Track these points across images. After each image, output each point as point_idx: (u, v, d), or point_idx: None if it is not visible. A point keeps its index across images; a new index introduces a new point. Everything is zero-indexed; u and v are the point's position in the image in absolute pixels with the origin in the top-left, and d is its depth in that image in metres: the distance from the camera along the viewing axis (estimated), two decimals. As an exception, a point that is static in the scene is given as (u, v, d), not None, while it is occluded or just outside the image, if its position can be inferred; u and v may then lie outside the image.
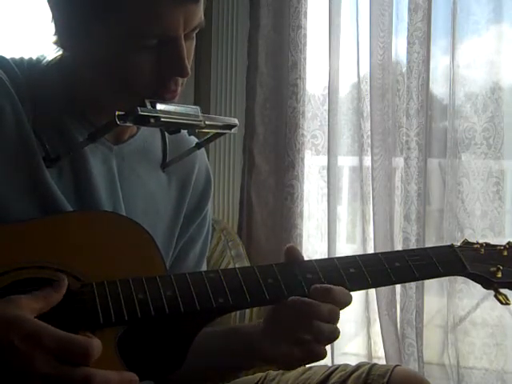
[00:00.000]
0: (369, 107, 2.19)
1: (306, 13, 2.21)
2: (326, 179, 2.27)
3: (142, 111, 0.90)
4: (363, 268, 0.99)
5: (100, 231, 0.95)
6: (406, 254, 1.03)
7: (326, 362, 2.21)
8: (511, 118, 2.11)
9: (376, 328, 2.20)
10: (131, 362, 0.82)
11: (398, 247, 2.19)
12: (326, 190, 2.27)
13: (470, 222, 2.13)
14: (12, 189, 0.93)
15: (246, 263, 2.08)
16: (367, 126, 2.20)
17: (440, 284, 2.20)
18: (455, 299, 2.14)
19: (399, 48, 2.20)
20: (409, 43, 2.14)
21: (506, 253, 1.08)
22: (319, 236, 2.34)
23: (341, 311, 0.95)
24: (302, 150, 2.23)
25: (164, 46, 0.93)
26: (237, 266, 2.00)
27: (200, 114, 0.98)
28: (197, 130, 1.01)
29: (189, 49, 0.97)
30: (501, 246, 1.09)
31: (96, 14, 0.90)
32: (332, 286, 0.95)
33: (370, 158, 2.19)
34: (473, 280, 1.07)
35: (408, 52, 2.15)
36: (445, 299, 2.16)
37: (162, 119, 0.93)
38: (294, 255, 1.00)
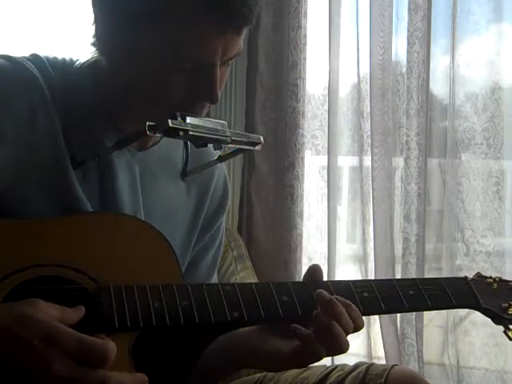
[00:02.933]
0: (369, 107, 2.19)
1: (305, 13, 2.21)
2: (325, 179, 2.27)
3: (172, 124, 0.91)
4: (377, 293, 0.99)
5: (120, 234, 0.95)
6: (419, 282, 1.03)
7: (325, 361, 2.21)
8: (511, 118, 2.11)
9: (376, 328, 2.20)
10: (143, 367, 0.83)
11: (398, 247, 2.19)
12: (325, 190, 2.27)
13: (469, 222, 2.12)
14: (38, 188, 0.94)
15: (248, 263, 2.08)
16: (367, 126, 2.20)
17: (440, 284, 2.20)
18: (455, 299, 2.14)
19: (399, 48, 2.20)
20: (409, 43, 2.14)
21: None
22: (319, 236, 2.34)
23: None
24: (301, 150, 2.23)
25: (199, 70, 0.93)
26: (238, 266, 2.01)
27: (227, 129, 0.99)
28: (223, 145, 1.02)
29: (222, 76, 0.97)
30: None
31: (139, 27, 0.91)
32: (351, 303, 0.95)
33: (370, 157, 2.19)
34: (484, 314, 1.07)
35: (408, 52, 2.15)
36: (445, 299, 2.16)
37: (191, 133, 0.94)
38: (314, 274, 1.00)
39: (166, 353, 0.94)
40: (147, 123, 0.90)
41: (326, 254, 2.23)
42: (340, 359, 2.20)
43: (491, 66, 2.10)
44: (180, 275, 0.97)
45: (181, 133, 0.92)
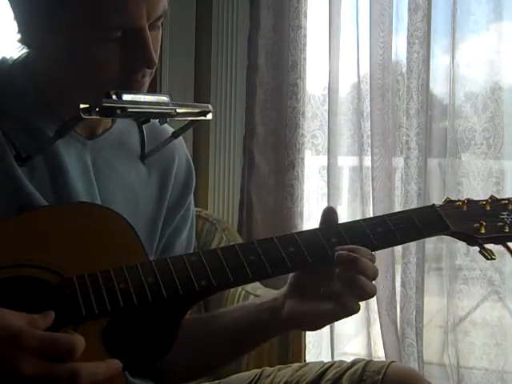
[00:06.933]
0: (369, 107, 2.19)
1: (305, 13, 2.22)
2: (326, 179, 2.27)
3: (106, 102, 0.89)
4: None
5: (77, 223, 0.93)
6: (387, 218, 1.01)
7: (323, 358, 2.21)
8: (511, 118, 2.11)
9: (376, 328, 2.20)
10: (118, 353, 0.82)
11: (398, 247, 2.19)
12: (326, 190, 2.27)
13: (469, 222, 2.12)
14: None
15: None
16: (367, 126, 2.20)
17: (440, 284, 2.20)
18: (455, 299, 2.14)
19: (399, 48, 2.21)
20: (409, 43, 2.15)
21: (488, 207, 1.05)
22: (319, 236, 2.33)
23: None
24: (302, 150, 2.23)
25: (128, 37, 0.92)
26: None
27: (170, 101, 0.96)
28: (168, 119, 1.00)
29: (154, 39, 0.95)
30: (483, 200, 1.07)
31: (57, 8, 0.90)
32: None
33: (370, 157, 2.19)
34: (457, 238, 1.05)
35: (408, 52, 2.15)
36: (445, 299, 2.16)
37: (129, 110, 0.91)
38: (329, 216, 1.03)
39: (141, 335, 0.92)
40: (80, 106, 0.88)
41: (326, 254, 2.22)
42: (339, 358, 2.22)
43: (491, 66, 2.10)
44: (144, 253, 0.94)
45: (118, 111, 0.90)
